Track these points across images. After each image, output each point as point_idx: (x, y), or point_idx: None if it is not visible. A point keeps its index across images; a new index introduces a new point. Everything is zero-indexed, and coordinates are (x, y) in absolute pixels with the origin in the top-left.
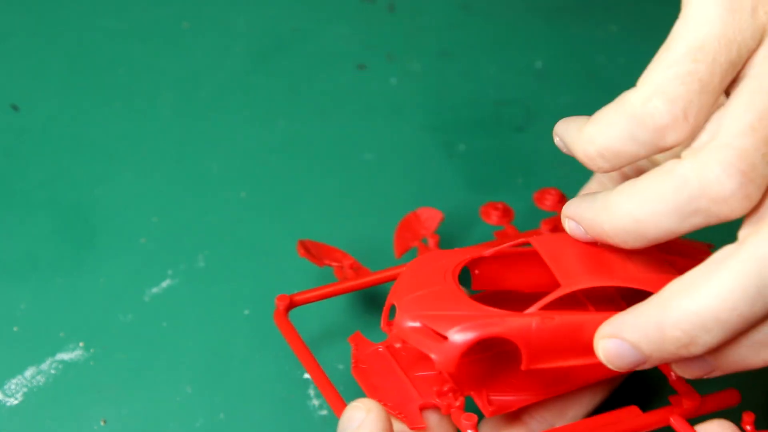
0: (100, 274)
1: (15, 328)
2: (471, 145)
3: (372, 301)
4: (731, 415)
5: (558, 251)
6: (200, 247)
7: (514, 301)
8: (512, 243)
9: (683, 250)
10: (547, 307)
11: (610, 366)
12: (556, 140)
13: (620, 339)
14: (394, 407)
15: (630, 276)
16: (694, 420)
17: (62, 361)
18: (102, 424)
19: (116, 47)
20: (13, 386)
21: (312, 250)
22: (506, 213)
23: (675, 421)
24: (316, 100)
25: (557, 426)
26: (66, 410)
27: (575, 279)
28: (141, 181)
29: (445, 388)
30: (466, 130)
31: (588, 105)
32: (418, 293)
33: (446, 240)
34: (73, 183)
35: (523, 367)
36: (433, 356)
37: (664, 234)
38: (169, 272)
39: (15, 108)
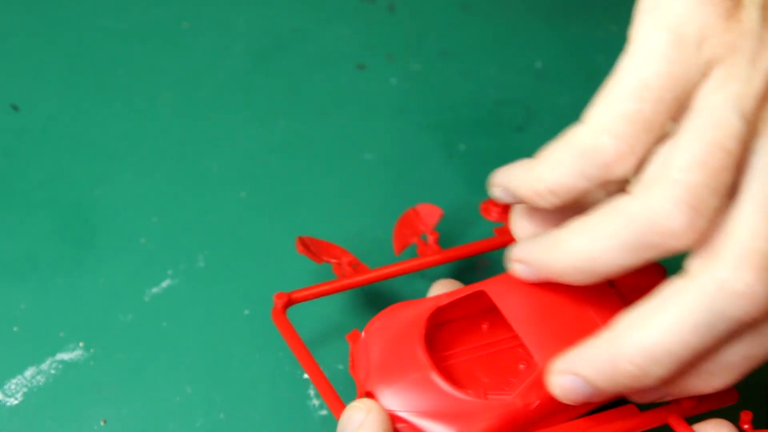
0: (100, 274)
1: (15, 328)
2: (471, 145)
3: (371, 298)
4: (729, 413)
5: (512, 299)
6: (200, 247)
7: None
8: (468, 292)
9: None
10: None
11: (563, 400)
12: (496, 192)
13: (574, 375)
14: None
15: (583, 317)
16: (693, 419)
17: (62, 361)
18: (102, 424)
19: (116, 47)
20: (13, 386)
21: (311, 247)
22: (506, 210)
23: (673, 421)
24: (316, 100)
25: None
26: (66, 410)
27: (535, 335)
28: (141, 181)
29: None
30: (466, 130)
31: (587, 104)
32: (395, 384)
33: (446, 239)
34: (73, 183)
35: None
36: None
37: (616, 270)
38: (169, 272)
39: (15, 108)
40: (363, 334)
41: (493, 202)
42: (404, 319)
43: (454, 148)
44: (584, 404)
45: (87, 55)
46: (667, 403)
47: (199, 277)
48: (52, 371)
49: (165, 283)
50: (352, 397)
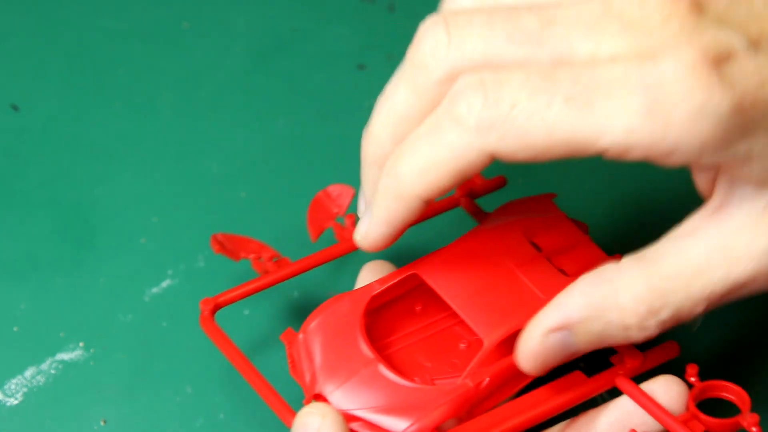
0: (100, 274)
1: (15, 328)
2: None
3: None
4: (674, 368)
5: (445, 278)
6: (200, 247)
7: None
8: (399, 276)
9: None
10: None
11: (534, 365)
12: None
13: (568, 329)
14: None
15: (517, 286)
16: (639, 378)
17: (62, 361)
18: (102, 424)
19: (116, 47)
20: (13, 386)
21: (226, 245)
22: None
23: (621, 383)
24: (316, 100)
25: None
26: (66, 410)
27: (474, 311)
28: (141, 181)
29: None
30: None
31: None
32: (344, 384)
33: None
34: (73, 183)
35: (459, 424)
36: None
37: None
38: (169, 272)
39: (15, 108)
40: (301, 334)
41: None
42: (341, 314)
43: None
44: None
45: (87, 55)
46: (611, 365)
47: (199, 277)
48: (52, 371)
49: (165, 283)
50: (297, 402)
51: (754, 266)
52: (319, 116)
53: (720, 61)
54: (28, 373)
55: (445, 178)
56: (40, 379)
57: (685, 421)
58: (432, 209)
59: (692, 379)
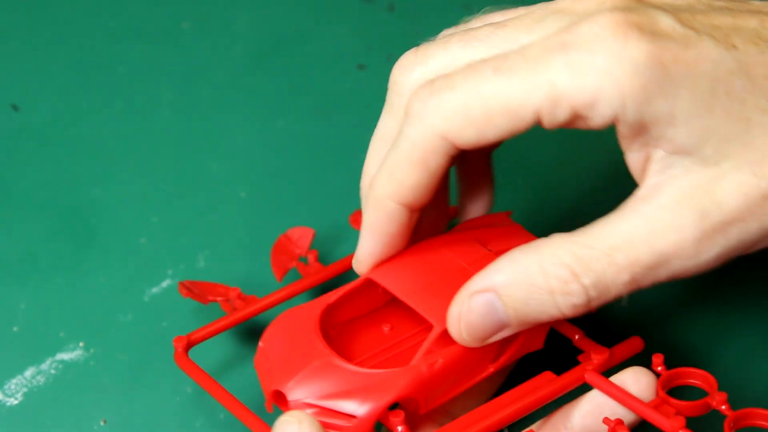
0: (100, 274)
1: (15, 328)
2: None
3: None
4: (641, 361)
5: (398, 277)
6: (200, 247)
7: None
8: (354, 284)
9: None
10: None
11: (470, 336)
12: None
13: (493, 291)
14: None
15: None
16: (608, 373)
17: (62, 361)
18: (102, 424)
19: (116, 47)
20: (13, 386)
21: (194, 289)
22: None
23: (590, 377)
24: (316, 100)
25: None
26: (66, 410)
27: (426, 302)
28: (141, 181)
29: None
30: None
31: None
32: (299, 375)
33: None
34: (73, 183)
35: (421, 412)
36: None
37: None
38: (169, 272)
39: (15, 108)
40: (260, 343)
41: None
42: (298, 320)
43: None
44: (489, 353)
45: (87, 55)
46: (578, 363)
47: (199, 277)
48: (52, 371)
49: (165, 283)
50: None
51: (678, 239)
52: (319, 116)
53: (642, 25)
54: (28, 373)
55: (411, 172)
56: (40, 379)
57: (656, 406)
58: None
59: (659, 368)
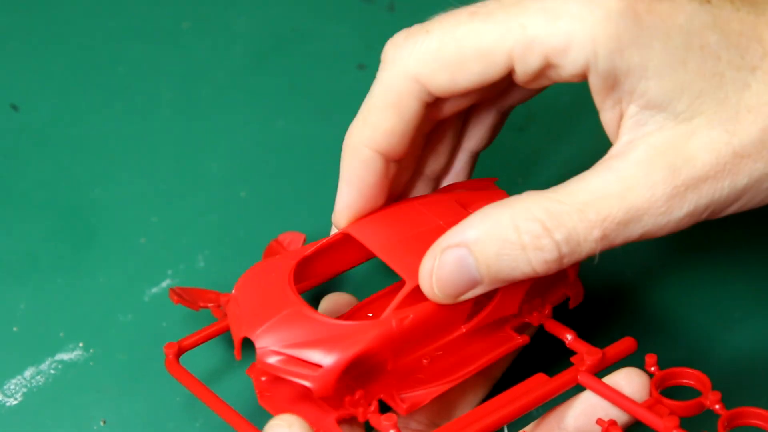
0: (100, 274)
1: (15, 328)
2: None
3: None
4: (634, 362)
5: (374, 233)
6: (200, 247)
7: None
8: (331, 238)
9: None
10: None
11: (443, 293)
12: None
13: (465, 246)
14: (312, 426)
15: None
16: (601, 374)
17: (62, 361)
18: (102, 424)
19: (116, 47)
20: (13, 386)
21: (184, 296)
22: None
23: (583, 378)
24: (316, 100)
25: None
26: (66, 410)
27: (400, 258)
28: (141, 181)
29: (356, 396)
30: None
31: (588, 105)
32: (268, 323)
33: None
34: (73, 183)
35: (388, 368)
36: (308, 384)
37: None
38: (169, 272)
39: (15, 108)
40: (233, 291)
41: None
42: (272, 270)
43: None
44: (462, 312)
45: (87, 55)
46: (571, 364)
47: (199, 277)
48: (52, 371)
49: (165, 283)
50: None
51: (648, 194)
52: (319, 116)
53: None
54: (28, 373)
55: (384, 117)
56: (40, 379)
57: (649, 406)
58: None
59: (652, 368)
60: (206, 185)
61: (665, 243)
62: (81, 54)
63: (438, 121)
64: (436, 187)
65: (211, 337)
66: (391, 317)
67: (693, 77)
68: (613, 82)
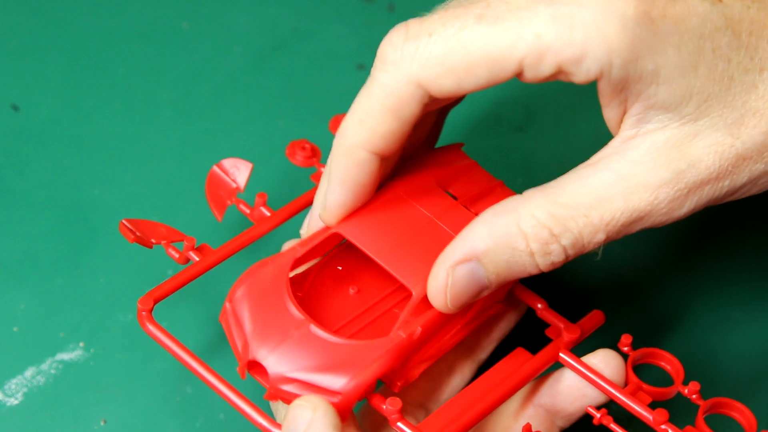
0: (100, 274)
1: (15, 328)
2: (471, 144)
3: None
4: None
5: (368, 234)
6: None
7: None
8: (322, 237)
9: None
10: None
11: (451, 303)
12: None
13: (476, 260)
14: None
15: (440, 236)
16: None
17: (62, 361)
18: (102, 424)
19: (116, 47)
20: (13, 386)
21: (136, 230)
22: (315, 152)
23: (566, 358)
24: (316, 100)
25: (436, 408)
26: (66, 410)
27: (401, 264)
28: (141, 181)
29: None
30: (466, 130)
31: (588, 105)
32: (279, 346)
33: None
34: (73, 183)
35: (395, 379)
36: None
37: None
38: (170, 272)
39: (15, 108)
40: (227, 304)
41: (300, 145)
42: (266, 278)
43: None
44: (460, 311)
45: (87, 55)
46: (550, 340)
47: (199, 277)
48: (52, 371)
49: None
50: (257, 395)
51: (651, 197)
52: (319, 116)
53: None
54: (28, 373)
55: (382, 119)
56: (40, 379)
57: (633, 392)
58: None
59: (625, 348)
60: None
61: (665, 243)
62: (81, 54)
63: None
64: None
65: (184, 284)
66: (401, 332)
67: (703, 81)
68: (623, 87)
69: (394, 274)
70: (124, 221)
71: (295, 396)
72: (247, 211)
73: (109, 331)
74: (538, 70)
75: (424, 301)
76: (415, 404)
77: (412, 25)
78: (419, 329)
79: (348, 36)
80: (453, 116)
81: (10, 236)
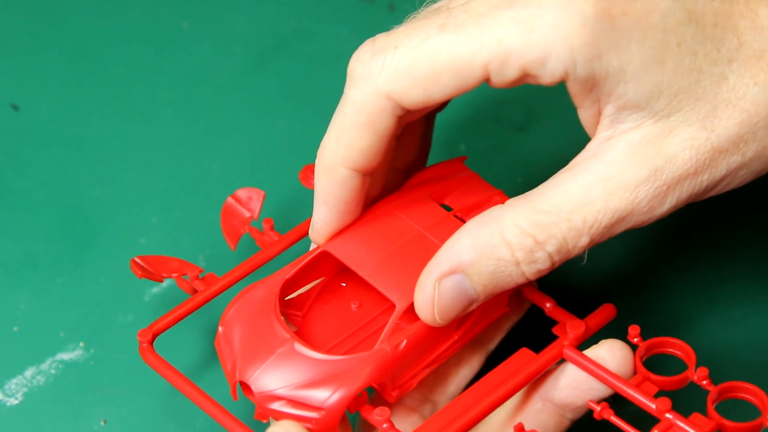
0: (100, 274)
1: (15, 328)
2: (471, 145)
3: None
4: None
5: (356, 251)
6: (200, 247)
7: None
8: (310, 257)
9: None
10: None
11: (439, 317)
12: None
13: (461, 272)
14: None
15: (430, 249)
16: (584, 345)
17: (62, 361)
18: (102, 424)
19: (116, 47)
20: (13, 386)
21: (147, 266)
22: None
23: (569, 354)
24: (316, 100)
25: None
26: (66, 410)
27: (386, 278)
28: (141, 181)
29: None
30: (467, 130)
31: None
32: (263, 365)
33: None
34: (73, 183)
35: (388, 391)
36: (311, 426)
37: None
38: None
39: (15, 108)
40: (220, 327)
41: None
42: (255, 301)
43: (455, 147)
44: (453, 323)
45: (87, 55)
46: (556, 337)
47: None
48: (52, 371)
49: (165, 283)
50: (249, 418)
51: (631, 197)
52: (319, 116)
53: None
54: (28, 373)
55: (357, 135)
56: (40, 379)
57: (638, 384)
58: None
59: (635, 339)
60: (206, 185)
61: (664, 243)
62: (81, 54)
63: (408, 123)
64: (409, 175)
65: (184, 316)
66: (385, 345)
67: (671, 76)
68: (592, 86)
69: (377, 287)
70: (135, 259)
71: (283, 414)
72: (259, 237)
73: (109, 331)
74: (504, 74)
75: (410, 313)
76: (422, 399)
77: (379, 40)
78: (405, 341)
79: (348, 36)
80: (453, 116)
81: (10, 236)
